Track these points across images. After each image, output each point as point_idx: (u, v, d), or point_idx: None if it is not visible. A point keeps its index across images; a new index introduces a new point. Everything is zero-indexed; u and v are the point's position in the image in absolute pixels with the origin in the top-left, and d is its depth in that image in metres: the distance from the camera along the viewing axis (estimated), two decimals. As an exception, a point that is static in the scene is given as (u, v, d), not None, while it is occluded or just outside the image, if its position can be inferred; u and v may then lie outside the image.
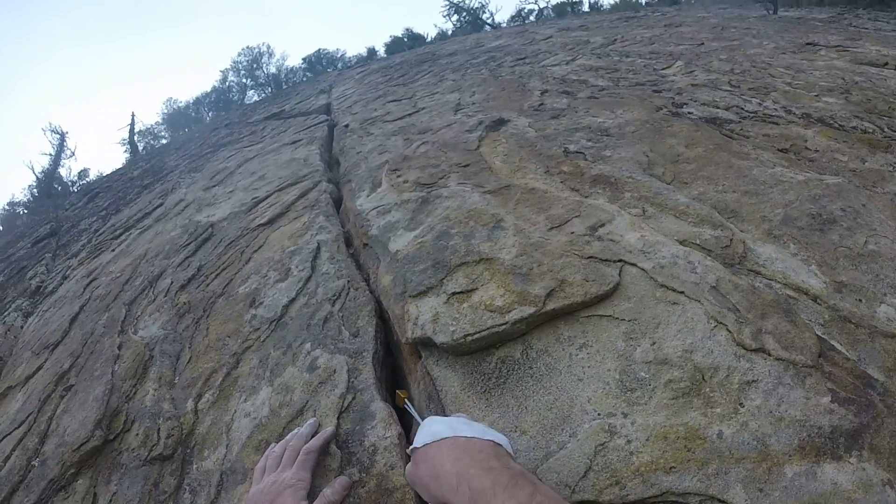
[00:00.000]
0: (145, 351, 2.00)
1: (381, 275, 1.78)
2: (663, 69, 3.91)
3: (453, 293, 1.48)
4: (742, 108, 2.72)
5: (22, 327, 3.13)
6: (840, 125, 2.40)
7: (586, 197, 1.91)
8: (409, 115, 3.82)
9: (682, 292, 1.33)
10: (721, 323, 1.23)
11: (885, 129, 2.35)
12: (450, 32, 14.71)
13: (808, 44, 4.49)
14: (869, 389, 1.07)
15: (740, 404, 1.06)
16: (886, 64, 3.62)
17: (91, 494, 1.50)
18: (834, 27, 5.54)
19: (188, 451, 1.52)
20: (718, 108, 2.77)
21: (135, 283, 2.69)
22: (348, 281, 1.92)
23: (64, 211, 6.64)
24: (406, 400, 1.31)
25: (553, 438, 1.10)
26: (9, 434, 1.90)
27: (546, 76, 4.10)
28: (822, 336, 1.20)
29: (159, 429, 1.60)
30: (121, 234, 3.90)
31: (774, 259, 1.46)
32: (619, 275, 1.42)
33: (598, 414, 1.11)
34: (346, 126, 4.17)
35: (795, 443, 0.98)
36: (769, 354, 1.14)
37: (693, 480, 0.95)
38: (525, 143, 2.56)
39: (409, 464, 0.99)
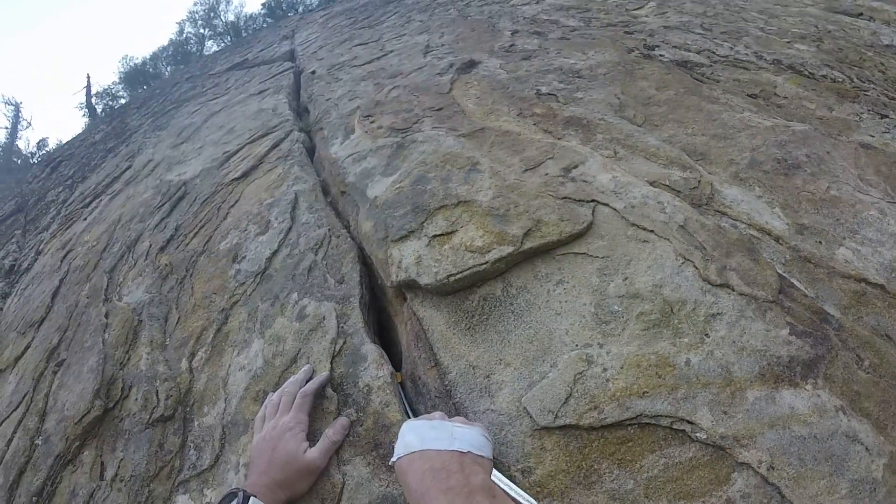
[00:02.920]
0: (133, 316, 2.00)
1: (362, 221, 1.80)
2: (635, 10, 3.85)
3: (434, 236, 1.51)
4: (713, 52, 2.72)
5: (1, 309, 3.09)
6: (810, 73, 2.41)
7: (559, 139, 1.94)
8: (378, 58, 3.73)
9: (652, 231, 1.38)
10: (688, 260, 1.29)
11: (855, 79, 2.37)
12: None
13: (784, -15, 4.45)
14: (825, 324, 1.15)
15: (706, 335, 1.14)
16: (861, 14, 3.61)
17: (98, 464, 1.54)
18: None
19: (188, 409, 1.55)
20: (690, 51, 2.76)
21: (112, 249, 2.66)
22: (329, 229, 1.93)
23: (28, 184, 6.39)
24: (400, 384, 1.36)
25: (535, 369, 1.17)
26: (7, 417, 1.91)
27: (516, 16, 4.03)
28: (783, 274, 1.27)
29: (157, 391, 1.62)
30: (91, 202, 3.80)
31: (740, 200, 1.51)
32: (593, 214, 1.46)
33: (576, 345, 1.18)
34: (313, 72, 4.06)
35: (756, 370, 1.06)
36: (733, 289, 1.22)
37: (664, 404, 1.04)
38: (497, 86, 2.55)
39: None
